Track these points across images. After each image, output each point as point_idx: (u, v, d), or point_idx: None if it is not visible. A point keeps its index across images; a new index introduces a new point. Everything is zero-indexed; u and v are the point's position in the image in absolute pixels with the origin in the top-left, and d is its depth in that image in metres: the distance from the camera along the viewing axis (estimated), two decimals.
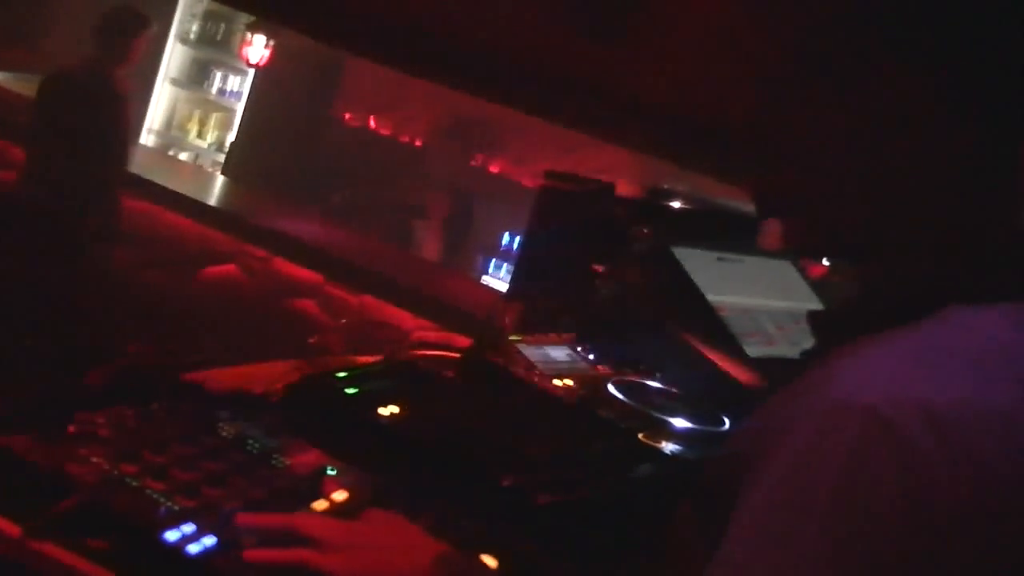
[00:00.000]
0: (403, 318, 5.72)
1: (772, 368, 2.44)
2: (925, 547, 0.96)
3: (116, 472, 1.45)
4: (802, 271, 2.95)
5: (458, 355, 2.38)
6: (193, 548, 1.34)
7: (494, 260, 9.51)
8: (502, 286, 7.77)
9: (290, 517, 1.45)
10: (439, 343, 3.23)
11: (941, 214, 1.15)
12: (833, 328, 1.27)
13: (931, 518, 0.96)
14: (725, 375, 2.41)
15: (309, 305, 6.00)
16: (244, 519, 1.42)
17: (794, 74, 1.19)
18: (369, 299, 5.88)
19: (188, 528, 1.36)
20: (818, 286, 2.92)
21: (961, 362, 1.04)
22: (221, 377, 1.99)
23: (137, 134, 9.29)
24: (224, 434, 1.65)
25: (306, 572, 1.36)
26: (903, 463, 0.96)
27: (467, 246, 9.60)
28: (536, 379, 2.24)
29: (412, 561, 1.39)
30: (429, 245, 9.34)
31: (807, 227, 1.23)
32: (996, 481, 0.98)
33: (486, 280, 9.08)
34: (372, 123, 10.17)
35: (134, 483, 1.44)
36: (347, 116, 10.20)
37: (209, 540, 1.36)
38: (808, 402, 1.05)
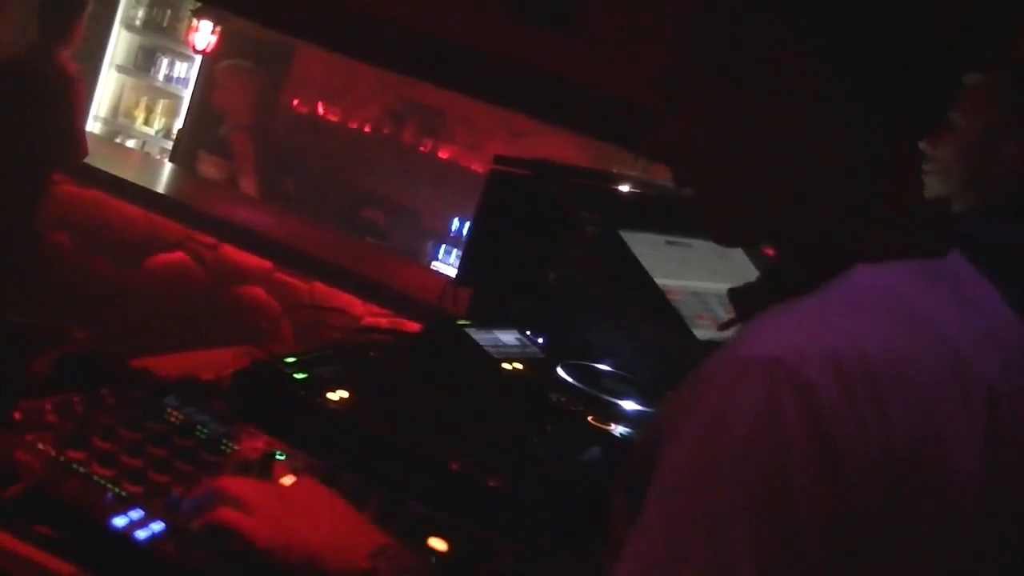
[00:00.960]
0: (353, 304, 5.70)
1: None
2: (835, 491, 0.98)
3: (63, 459, 1.44)
4: (751, 253, 2.97)
5: (408, 340, 2.38)
6: (141, 534, 1.33)
7: (444, 246, 9.51)
8: (452, 272, 7.77)
9: (217, 480, 1.45)
10: (389, 329, 3.22)
11: (837, 185, 1.18)
12: (749, 299, 1.29)
13: (841, 463, 0.98)
14: (674, 358, 2.43)
15: (259, 292, 5.98)
16: (183, 493, 1.42)
17: (687, 55, 1.22)
18: (319, 285, 5.86)
19: (136, 514, 1.36)
20: (767, 266, 2.94)
21: (864, 314, 1.08)
22: (170, 363, 1.99)
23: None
24: (172, 420, 1.64)
25: (233, 538, 1.36)
26: (811, 412, 0.98)
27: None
28: (485, 363, 2.25)
29: (334, 530, 1.40)
30: (246, 185, 9.17)
31: (713, 211, 1.27)
32: (899, 425, 1.02)
33: (436, 266, 9.08)
34: (321, 109, 10.14)
35: (81, 470, 1.43)
36: (295, 102, 10.16)
37: (157, 526, 1.36)
38: (715, 363, 1.07)
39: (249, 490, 1.43)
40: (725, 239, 1.31)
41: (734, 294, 1.33)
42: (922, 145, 1.25)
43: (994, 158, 2.40)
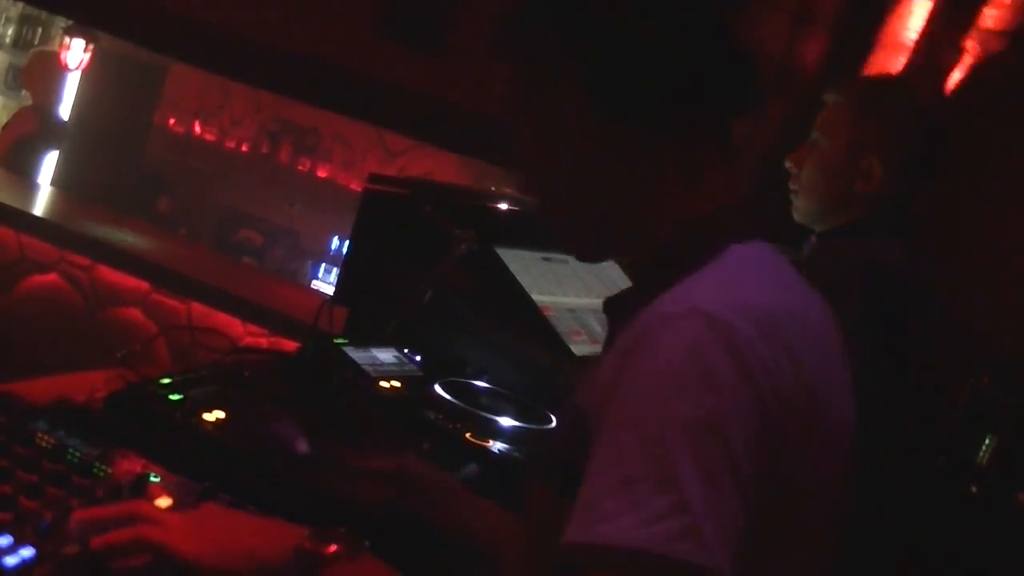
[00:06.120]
0: (232, 324, 5.65)
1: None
2: (758, 412, 1.09)
3: None
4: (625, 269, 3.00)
5: (284, 360, 2.37)
6: (10, 560, 1.31)
7: (324, 265, 9.46)
8: (332, 291, 7.71)
9: (130, 503, 1.46)
10: (266, 349, 3.20)
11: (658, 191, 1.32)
12: (623, 303, 1.38)
13: (760, 389, 1.09)
14: (551, 374, 2.44)
15: (135, 313, 5.90)
16: (80, 515, 1.41)
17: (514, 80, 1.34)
18: (197, 306, 5.80)
19: (4, 540, 1.34)
20: None
21: (753, 275, 1.22)
22: (40, 387, 1.96)
23: None
24: (42, 444, 1.61)
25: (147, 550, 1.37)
26: (732, 345, 1.09)
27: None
28: (362, 382, 2.25)
29: (256, 529, 1.41)
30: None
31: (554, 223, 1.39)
32: (802, 363, 1.15)
33: (316, 285, 9.03)
34: (197, 129, 10.04)
35: None
36: (171, 121, 10.05)
37: (27, 552, 1.34)
38: (636, 329, 1.16)
39: (161, 511, 1.46)
40: (576, 252, 1.44)
41: (608, 303, 1.40)
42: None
43: (856, 175, 2.45)
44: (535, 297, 2.58)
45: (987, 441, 3.47)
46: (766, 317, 1.13)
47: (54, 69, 8.66)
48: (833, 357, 1.26)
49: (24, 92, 9.02)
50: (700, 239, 1.27)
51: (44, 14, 9.67)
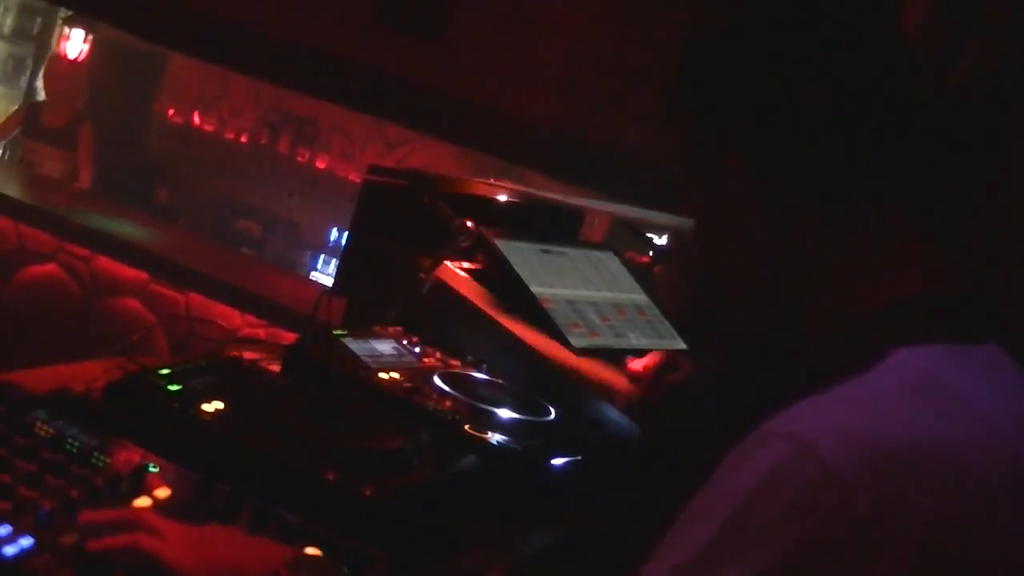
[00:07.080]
0: (230, 315, 5.65)
1: (596, 358, 2.48)
2: (833, 566, 0.97)
3: None
4: (626, 261, 3.00)
5: (282, 350, 2.37)
6: (9, 550, 1.31)
7: (322, 256, 9.46)
8: (330, 282, 7.69)
9: (132, 510, 1.48)
10: (265, 340, 3.20)
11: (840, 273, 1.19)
12: (782, 386, 1.21)
13: (840, 541, 0.97)
14: (550, 366, 2.44)
15: (134, 304, 5.90)
16: (86, 517, 1.43)
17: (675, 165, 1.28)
18: (196, 297, 5.80)
19: (3, 530, 1.34)
20: (642, 275, 2.97)
21: (900, 398, 1.05)
22: (39, 377, 1.96)
23: None
24: (41, 434, 1.61)
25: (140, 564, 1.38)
26: (819, 481, 0.98)
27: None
28: (361, 373, 2.24)
29: (248, 560, 1.43)
30: (85, 178, 8.87)
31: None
32: (930, 507, 0.99)
33: (315, 276, 9.03)
34: (196, 119, 10.04)
35: None
36: (171, 112, 10.05)
37: (25, 541, 1.34)
38: (748, 440, 1.06)
39: (161, 521, 1.47)
40: (747, 340, 1.34)
41: (762, 381, 1.32)
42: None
43: None
44: (534, 289, 2.58)
45: None
46: (880, 450, 0.99)
47: (80, 70, 8.65)
48: (998, 488, 1.04)
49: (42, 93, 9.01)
50: (861, 339, 1.13)
51: (44, 4, 9.66)
